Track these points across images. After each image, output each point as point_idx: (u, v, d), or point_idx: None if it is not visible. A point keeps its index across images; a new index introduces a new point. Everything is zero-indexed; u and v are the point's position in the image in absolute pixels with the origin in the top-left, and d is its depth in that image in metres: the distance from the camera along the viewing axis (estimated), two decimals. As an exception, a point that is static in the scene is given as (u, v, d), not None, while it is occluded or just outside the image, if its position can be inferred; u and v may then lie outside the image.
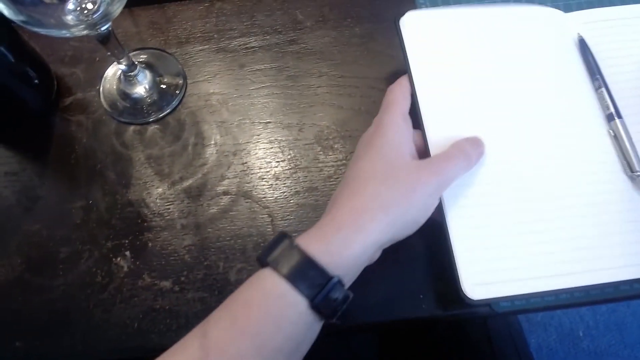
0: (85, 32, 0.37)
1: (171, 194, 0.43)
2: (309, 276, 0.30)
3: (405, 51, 0.42)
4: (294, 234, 0.33)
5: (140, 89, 0.46)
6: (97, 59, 0.49)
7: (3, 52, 0.41)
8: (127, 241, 0.42)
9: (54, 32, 0.36)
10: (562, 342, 1.14)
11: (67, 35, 0.36)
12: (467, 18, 0.45)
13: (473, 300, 0.36)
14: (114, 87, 0.47)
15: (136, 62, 0.45)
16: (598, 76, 0.43)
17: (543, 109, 0.42)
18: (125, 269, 0.41)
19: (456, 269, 0.36)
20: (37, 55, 0.46)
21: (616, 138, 0.41)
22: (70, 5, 0.37)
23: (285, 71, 0.48)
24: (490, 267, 0.37)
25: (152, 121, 0.46)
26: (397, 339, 0.58)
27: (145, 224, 0.43)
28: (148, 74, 0.47)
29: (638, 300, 0.38)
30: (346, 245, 0.31)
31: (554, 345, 1.14)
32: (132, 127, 0.46)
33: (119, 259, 0.41)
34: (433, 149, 0.39)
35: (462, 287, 0.36)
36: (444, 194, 0.38)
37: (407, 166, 0.35)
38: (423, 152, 0.39)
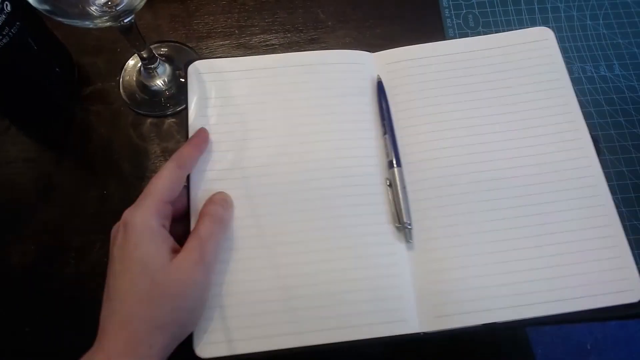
0: (108, 23, 0.37)
1: (184, 187, 0.44)
2: None
3: (187, 101, 0.42)
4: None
5: (160, 82, 0.46)
6: (119, 49, 0.49)
7: (25, 39, 0.41)
8: (139, 233, 0.42)
9: (78, 23, 0.36)
10: (569, 355, 1.13)
11: (90, 26, 0.36)
12: (260, 66, 0.44)
13: (202, 358, 0.35)
14: (134, 78, 0.47)
15: (156, 55, 0.45)
16: (385, 121, 0.42)
17: (327, 159, 0.41)
18: (137, 260, 0.41)
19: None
20: (59, 44, 0.47)
21: (391, 187, 0.40)
22: (95, -5, 0.38)
23: (305, 70, 0.48)
24: (223, 326, 0.36)
25: (170, 114, 0.46)
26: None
27: (158, 216, 0.43)
28: (168, 67, 0.47)
29: None
30: None
31: (561, 357, 1.13)
32: (149, 120, 0.46)
33: (130, 250, 0.42)
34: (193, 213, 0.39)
35: (194, 345, 0.35)
36: None
37: (171, 274, 0.33)
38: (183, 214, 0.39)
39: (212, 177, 0.40)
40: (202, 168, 0.41)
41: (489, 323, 0.36)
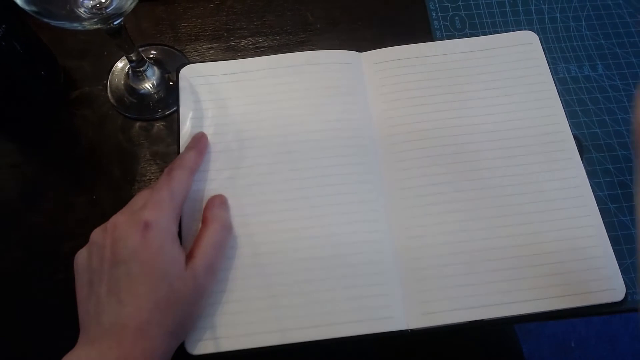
0: (97, 26, 0.36)
1: (176, 192, 0.43)
2: None
3: (178, 106, 0.43)
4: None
5: (148, 85, 0.46)
6: (105, 53, 0.48)
7: (10, 42, 0.41)
8: (130, 238, 0.42)
9: (66, 25, 0.35)
10: (554, 352, 1.15)
11: (79, 28, 0.36)
12: (250, 68, 0.45)
13: (193, 355, 0.36)
14: (122, 82, 0.47)
15: (145, 58, 0.45)
16: None
17: (318, 158, 0.41)
18: (128, 266, 0.41)
19: None
20: (44, 47, 0.46)
21: None
22: (85, -1, 0.37)
23: (295, 72, 0.48)
24: (212, 323, 0.37)
25: (159, 118, 0.46)
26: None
27: (149, 221, 0.42)
28: (156, 70, 0.46)
29: (630, 313, 0.38)
30: None
31: (545, 355, 1.14)
32: (138, 123, 0.46)
33: (121, 255, 0.41)
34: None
35: (185, 342, 0.36)
36: None
37: (187, 281, 0.33)
38: None
39: (205, 178, 0.40)
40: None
41: (476, 320, 0.37)
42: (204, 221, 0.37)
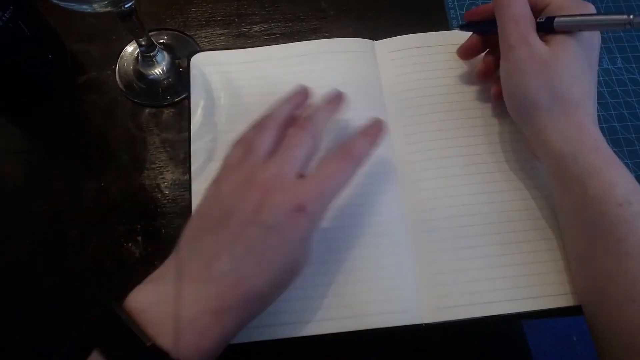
0: (108, 8, 0.35)
1: (186, 180, 0.42)
2: None
3: (189, 93, 0.42)
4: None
5: (158, 71, 0.45)
6: (114, 37, 0.47)
7: (18, 24, 0.39)
8: (139, 226, 0.41)
9: (75, 6, 0.34)
10: (556, 346, 1.14)
11: (88, 10, 0.35)
12: (263, 57, 0.44)
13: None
14: (131, 67, 0.45)
15: (155, 43, 0.44)
16: None
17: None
18: (137, 255, 0.40)
19: None
20: (52, 29, 0.45)
21: None
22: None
23: (307, 60, 0.47)
24: None
25: (168, 104, 0.45)
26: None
27: (158, 209, 0.41)
28: (167, 55, 0.45)
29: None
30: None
31: (547, 349, 1.14)
32: (147, 110, 0.45)
33: (130, 244, 0.40)
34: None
35: None
36: None
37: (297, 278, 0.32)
38: None
39: (216, 147, 0.40)
40: (207, 158, 0.40)
41: (491, 315, 0.36)
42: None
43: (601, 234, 0.33)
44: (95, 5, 0.35)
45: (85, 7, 0.35)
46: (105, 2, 0.35)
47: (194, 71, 0.43)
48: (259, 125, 0.35)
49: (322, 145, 0.35)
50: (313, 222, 0.31)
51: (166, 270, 0.31)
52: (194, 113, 0.42)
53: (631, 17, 0.32)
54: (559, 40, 0.35)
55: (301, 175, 0.32)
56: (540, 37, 0.35)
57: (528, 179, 0.40)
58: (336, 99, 0.37)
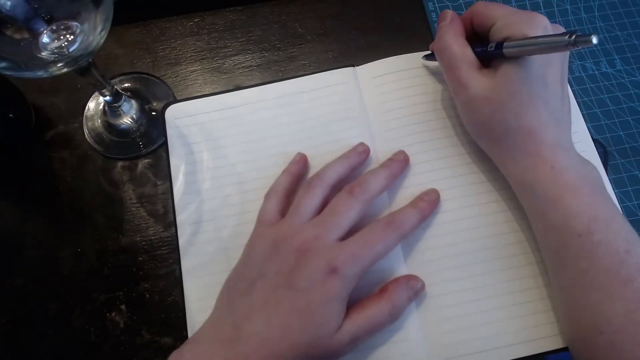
0: (64, 70, 0.32)
1: (168, 237, 0.39)
2: None
3: (167, 146, 0.40)
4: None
5: (128, 120, 0.42)
6: (79, 86, 0.44)
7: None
8: (121, 293, 0.38)
9: (29, 74, 0.32)
10: None
11: (44, 75, 0.32)
12: (240, 102, 0.41)
13: None
14: (98, 119, 0.42)
15: (121, 91, 0.41)
16: None
17: None
18: (122, 325, 0.37)
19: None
20: (10, 85, 0.42)
21: None
22: (45, 38, 0.33)
23: (287, 92, 0.44)
24: None
25: (144, 155, 0.42)
26: None
27: (141, 272, 0.39)
28: (134, 102, 0.42)
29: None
30: None
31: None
32: (120, 163, 0.42)
33: (113, 313, 0.38)
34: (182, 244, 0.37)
35: None
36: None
37: (331, 344, 0.31)
38: None
39: (202, 219, 0.38)
40: (192, 209, 0.38)
41: None
42: (383, 291, 0.34)
43: (565, 265, 0.32)
44: (50, 70, 0.32)
45: (41, 74, 0.32)
46: (60, 65, 0.32)
47: (169, 127, 0.40)
48: (308, 185, 0.35)
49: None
50: (344, 285, 0.31)
51: (202, 331, 0.32)
52: (175, 179, 0.39)
53: (573, 37, 0.28)
54: (504, 69, 0.33)
55: (341, 239, 0.32)
56: (493, 64, 0.34)
57: (515, 208, 0.37)
58: (398, 163, 0.37)
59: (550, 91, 0.33)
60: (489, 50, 0.34)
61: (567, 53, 0.35)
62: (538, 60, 0.32)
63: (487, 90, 0.33)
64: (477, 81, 0.34)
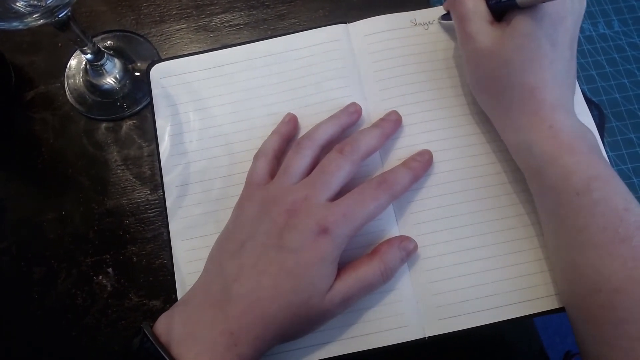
0: (41, 21, 0.30)
1: (155, 200, 0.39)
2: None
3: (152, 107, 0.39)
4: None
5: (111, 79, 0.40)
6: (60, 44, 0.42)
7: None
8: (108, 256, 0.37)
9: (4, 25, 0.30)
10: (564, 343, 1.13)
11: (20, 27, 0.30)
12: (228, 60, 0.40)
13: None
14: (80, 78, 0.41)
15: (103, 49, 0.39)
16: None
17: None
18: (109, 288, 0.37)
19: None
20: (-13, 43, 0.40)
21: None
22: (20, -11, 0.31)
23: (276, 52, 0.43)
24: None
25: (128, 116, 0.40)
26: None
27: (128, 235, 0.38)
28: (117, 62, 0.41)
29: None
30: None
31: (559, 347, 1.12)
32: (104, 124, 0.40)
33: (100, 277, 0.37)
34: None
35: None
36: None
37: (321, 303, 0.30)
38: None
39: (190, 180, 0.37)
40: (179, 171, 0.37)
41: (494, 322, 0.34)
42: (375, 252, 0.33)
43: (562, 224, 0.31)
44: (26, 21, 0.30)
45: (16, 24, 0.30)
46: (37, 16, 0.30)
47: (154, 87, 0.39)
48: (297, 146, 0.34)
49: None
50: (335, 245, 0.30)
51: (192, 293, 0.32)
52: (161, 140, 0.38)
53: None
54: (514, 22, 0.32)
55: (331, 200, 0.32)
56: (505, 18, 0.33)
57: (510, 170, 0.37)
58: (390, 123, 0.36)
59: (558, 52, 0.32)
60: (503, 0, 0.33)
61: (581, 14, 0.34)
62: (550, 18, 0.31)
63: (494, 43, 0.33)
64: (486, 34, 0.33)
